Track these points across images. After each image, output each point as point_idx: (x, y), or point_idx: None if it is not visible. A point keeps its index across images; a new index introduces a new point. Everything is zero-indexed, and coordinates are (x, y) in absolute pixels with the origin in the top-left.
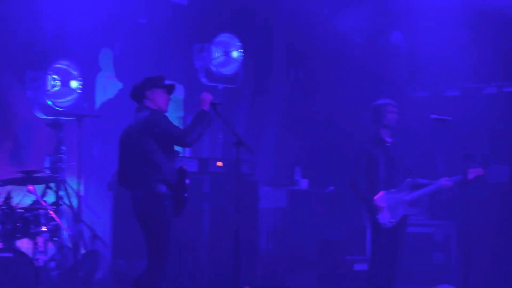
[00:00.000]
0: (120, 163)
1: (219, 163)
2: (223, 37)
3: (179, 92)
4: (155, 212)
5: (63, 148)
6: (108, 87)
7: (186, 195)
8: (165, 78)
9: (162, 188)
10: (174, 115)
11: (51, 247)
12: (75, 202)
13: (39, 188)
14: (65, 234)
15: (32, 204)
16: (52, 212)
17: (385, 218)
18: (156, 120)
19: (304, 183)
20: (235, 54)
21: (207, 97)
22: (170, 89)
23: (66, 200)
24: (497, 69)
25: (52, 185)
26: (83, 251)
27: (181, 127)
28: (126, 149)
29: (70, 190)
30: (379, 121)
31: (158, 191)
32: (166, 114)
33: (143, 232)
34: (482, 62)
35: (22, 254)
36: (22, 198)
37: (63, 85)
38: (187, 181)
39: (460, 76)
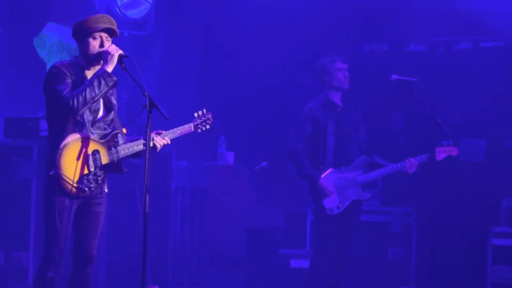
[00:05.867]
0: None
1: (124, 130)
2: None
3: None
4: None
5: None
6: None
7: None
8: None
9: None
10: None
11: None
12: None
13: None
14: None
15: None
16: None
17: (332, 202)
18: (46, 75)
19: (229, 157)
20: None
21: (115, 51)
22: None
23: None
24: (472, 20)
25: None
26: None
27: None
28: None
29: None
30: (327, 81)
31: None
32: None
33: None
34: (455, 10)
35: None
36: None
37: None
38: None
39: (427, 27)
